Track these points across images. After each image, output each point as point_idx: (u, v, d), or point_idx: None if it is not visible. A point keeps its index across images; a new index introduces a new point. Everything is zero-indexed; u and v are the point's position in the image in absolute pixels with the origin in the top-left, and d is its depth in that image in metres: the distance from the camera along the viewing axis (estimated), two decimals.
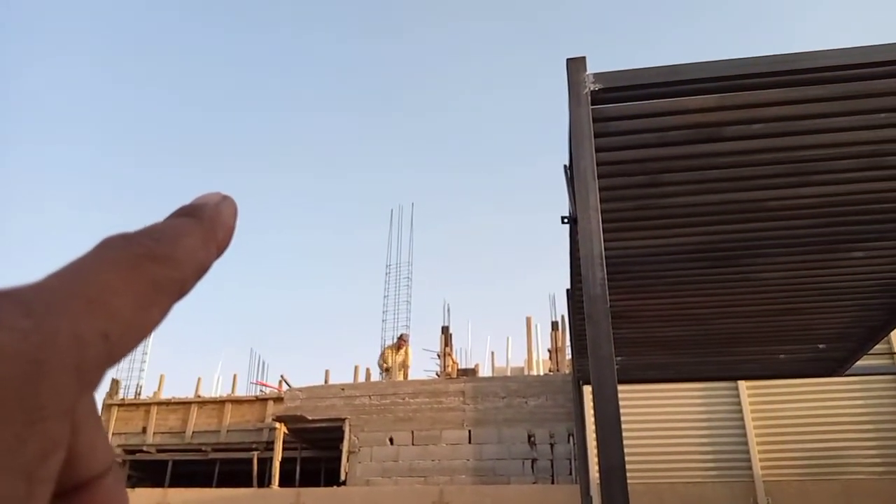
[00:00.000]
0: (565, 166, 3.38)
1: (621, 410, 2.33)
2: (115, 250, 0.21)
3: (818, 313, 5.44)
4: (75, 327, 0.19)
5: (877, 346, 6.44)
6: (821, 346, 6.23)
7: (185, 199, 0.26)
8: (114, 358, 0.20)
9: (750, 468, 8.87)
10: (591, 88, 2.74)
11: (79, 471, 0.21)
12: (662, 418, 9.29)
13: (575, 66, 2.78)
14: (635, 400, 9.22)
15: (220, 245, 0.25)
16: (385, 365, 14.05)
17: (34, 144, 38.90)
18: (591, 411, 2.43)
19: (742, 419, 9.11)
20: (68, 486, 0.21)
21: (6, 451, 0.16)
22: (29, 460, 0.17)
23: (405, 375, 13.88)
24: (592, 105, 2.75)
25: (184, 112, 42.18)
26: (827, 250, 4.36)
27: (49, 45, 41.47)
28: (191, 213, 0.24)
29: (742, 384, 9.17)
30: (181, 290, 0.22)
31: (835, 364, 6.80)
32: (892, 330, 5.83)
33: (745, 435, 9.04)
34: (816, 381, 8.57)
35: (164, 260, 0.22)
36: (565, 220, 3.62)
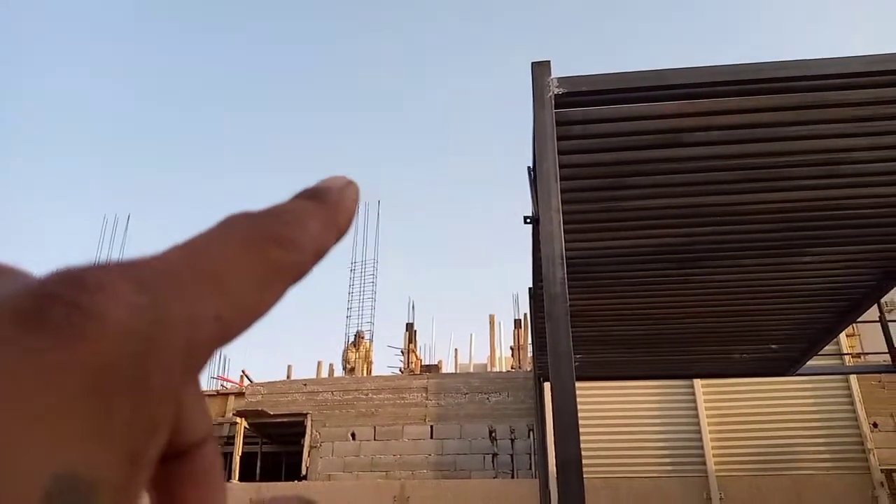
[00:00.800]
0: (529, 168, 3.44)
1: (580, 407, 2.39)
2: (238, 228, 0.21)
3: (771, 315, 5.61)
4: (189, 306, 0.18)
5: (826, 347, 6.67)
6: (773, 346, 6.42)
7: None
8: (225, 339, 0.19)
9: (704, 464, 9.10)
10: (555, 92, 2.79)
11: (182, 439, 0.22)
12: (620, 415, 9.46)
13: (540, 69, 2.83)
14: (594, 397, 9.38)
15: (340, 229, 0.24)
16: (349, 366, 14.04)
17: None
18: (551, 407, 2.49)
19: (697, 416, 9.33)
20: (171, 454, 0.21)
21: (116, 433, 0.16)
22: (135, 442, 0.16)
23: (368, 371, 13.87)
24: (556, 108, 2.80)
25: (150, 111, 41.37)
26: (780, 254, 4.51)
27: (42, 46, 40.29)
28: (315, 196, 0.24)
29: (697, 382, 9.39)
30: (300, 273, 0.22)
31: (787, 364, 7.02)
32: (841, 331, 6.05)
33: (699, 432, 9.27)
34: (769, 380, 8.81)
35: (286, 243, 0.21)
36: (528, 221, 3.68)
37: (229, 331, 0.19)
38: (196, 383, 0.22)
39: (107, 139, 40.34)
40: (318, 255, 0.23)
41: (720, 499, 8.86)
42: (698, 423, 9.31)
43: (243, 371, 14.58)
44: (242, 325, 0.20)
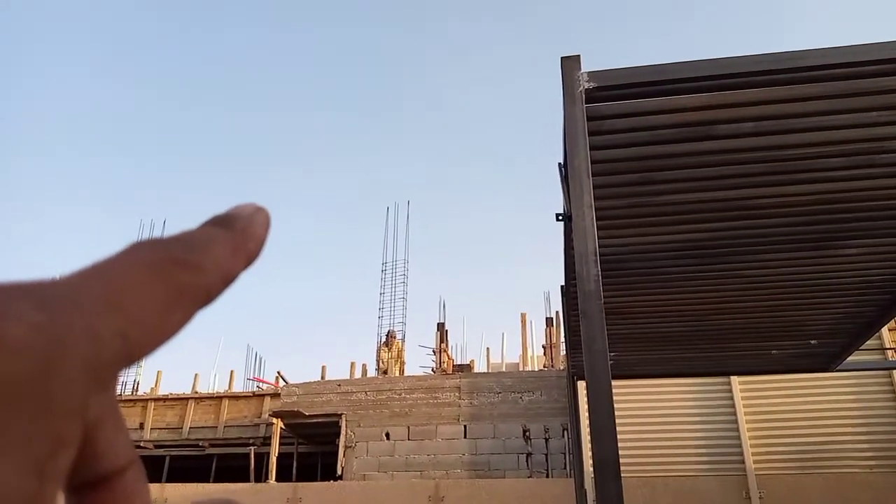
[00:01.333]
0: (560, 164, 3.42)
1: (616, 406, 2.37)
2: (143, 253, 0.21)
3: (810, 309, 5.50)
4: (91, 324, 0.18)
5: (868, 342, 6.51)
6: (812, 341, 6.29)
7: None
8: (133, 358, 0.20)
9: (742, 462, 8.95)
10: (586, 87, 2.77)
11: (99, 465, 0.21)
12: (656, 413, 9.35)
13: (569, 64, 2.81)
14: (630, 395, 9.28)
15: (249, 255, 0.25)
16: (383, 367, 14.11)
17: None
18: (586, 406, 2.46)
19: (735, 413, 9.18)
20: (89, 479, 0.21)
21: (15, 446, 0.16)
22: (38, 456, 0.17)
23: (401, 371, 13.93)
24: (587, 103, 2.78)
25: (175, 111, 42.06)
26: (818, 247, 4.41)
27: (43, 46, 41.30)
28: (223, 223, 0.25)
29: (734, 379, 9.24)
30: (207, 296, 0.22)
31: (826, 359, 6.87)
32: (883, 326, 5.89)
33: (737, 429, 9.12)
34: (809, 376, 8.64)
35: (191, 266, 0.22)
36: (560, 218, 3.66)
37: (136, 349, 0.20)
38: (114, 410, 0.22)
39: (144, 144, 41.15)
40: (226, 279, 0.23)
41: (759, 497, 8.71)
42: (736, 421, 9.15)
43: (279, 372, 14.75)
44: (151, 343, 0.20)
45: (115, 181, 40.69)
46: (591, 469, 2.37)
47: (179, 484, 10.60)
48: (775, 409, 9.20)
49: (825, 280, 4.93)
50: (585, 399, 2.45)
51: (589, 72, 2.76)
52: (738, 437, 9.08)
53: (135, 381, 13.95)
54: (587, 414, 2.43)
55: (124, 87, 42.36)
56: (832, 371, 7.25)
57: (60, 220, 39.93)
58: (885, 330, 8.82)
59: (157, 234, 15.44)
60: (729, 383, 9.30)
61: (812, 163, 3.48)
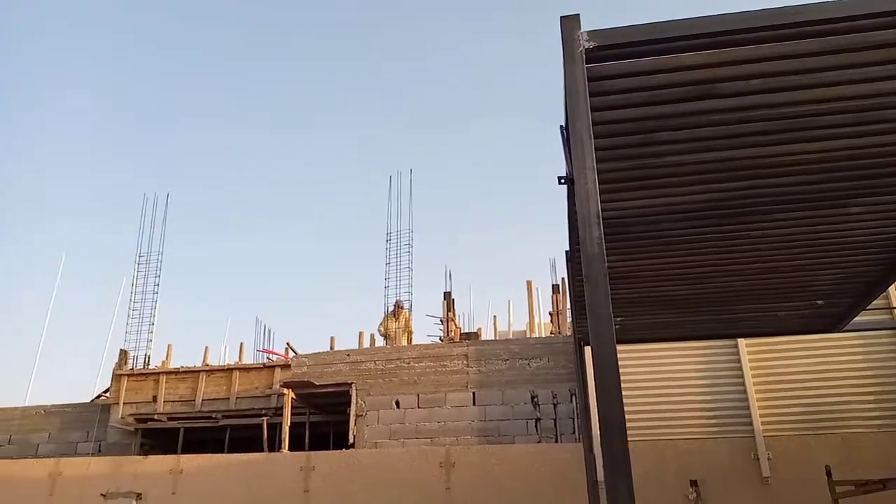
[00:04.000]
0: (561, 127, 3.39)
1: (623, 370, 2.38)
2: None
3: (816, 269, 5.48)
4: None
5: (875, 301, 6.49)
6: (819, 302, 6.27)
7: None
8: None
9: (750, 424, 9.00)
10: (586, 46, 2.73)
11: None
12: (664, 377, 9.40)
13: (569, 24, 2.77)
14: (637, 360, 9.32)
15: None
16: (384, 332, 14.20)
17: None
18: (593, 371, 2.47)
19: (742, 376, 9.21)
20: None
21: None
22: None
23: (409, 340, 14.02)
24: (587, 64, 2.74)
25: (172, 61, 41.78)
26: (824, 206, 4.37)
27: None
28: None
29: (741, 341, 9.25)
30: None
31: (833, 320, 6.86)
32: (890, 285, 5.87)
33: (745, 391, 9.15)
34: (816, 336, 8.65)
35: None
36: (562, 181, 3.64)
37: None
38: None
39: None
40: None
41: (768, 458, 8.78)
42: (743, 383, 9.19)
43: (288, 343, 14.87)
44: None
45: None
46: (599, 433, 2.39)
47: (195, 455, 10.77)
48: (783, 370, 9.22)
49: (831, 239, 4.90)
50: (592, 364, 2.46)
51: (589, 31, 2.72)
52: (746, 400, 9.13)
53: (146, 355, 14.10)
54: (594, 379, 2.44)
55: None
56: (839, 331, 7.25)
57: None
58: (892, 289, 8.78)
59: (160, 206, 15.46)
60: (736, 345, 9.32)
61: (816, 120, 3.43)
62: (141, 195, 15.94)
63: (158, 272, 14.91)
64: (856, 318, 6.86)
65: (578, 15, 2.74)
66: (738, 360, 9.29)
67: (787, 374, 9.20)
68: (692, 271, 5.50)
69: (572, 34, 2.74)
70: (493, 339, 15.49)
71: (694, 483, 8.73)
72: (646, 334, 7.71)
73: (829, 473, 7.39)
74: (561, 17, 2.75)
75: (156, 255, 15.05)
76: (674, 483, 8.78)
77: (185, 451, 12.02)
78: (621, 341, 2.59)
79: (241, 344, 15.67)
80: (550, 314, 14.83)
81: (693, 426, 9.21)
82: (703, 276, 5.62)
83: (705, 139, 3.58)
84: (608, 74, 3.03)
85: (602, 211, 2.56)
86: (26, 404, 14.76)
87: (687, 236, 4.80)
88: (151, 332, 14.34)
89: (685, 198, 4.23)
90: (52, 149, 41.22)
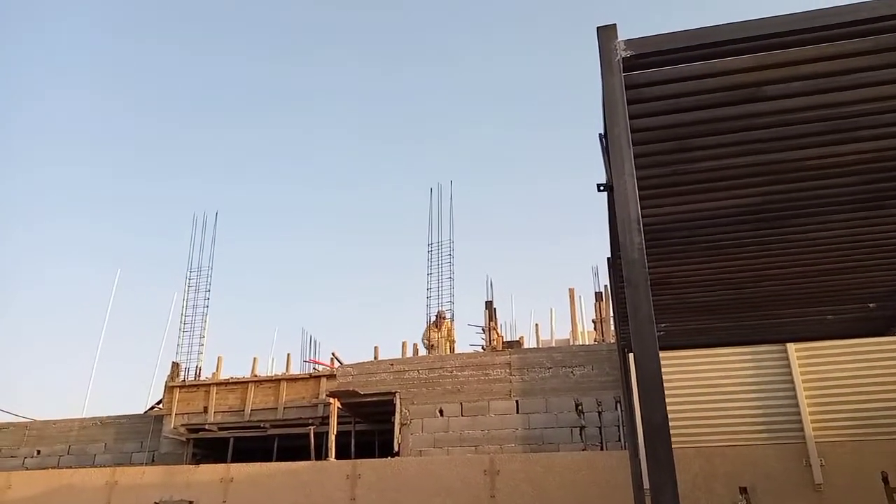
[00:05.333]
0: (600, 134, 3.42)
1: (669, 377, 2.40)
2: None
3: (866, 272, 5.36)
4: None
5: None
6: (871, 305, 6.13)
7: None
8: None
9: (801, 429, 8.79)
10: (623, 55, 2.77)
11: None
12: (712, 383, 9.24)
13: (606, 34, 2.82)
14: (684, 367, 9.19)
15: None
16: (427, 342, 14.27)
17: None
18: (636, 374, 2.48)
19: (792, 381, 9.00)
20: None
21: None
22: None
23: (451, 350, 14.07)
24: (625, 72, 2.78)
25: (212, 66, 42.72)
26: (873, 207, 4.30)
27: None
28: None
29: (791, 346, 9.06)
30: None
31: (886, 323, 6.69)
32: None
33: (795, 396, 8.94)
34: (869, 340, 8.41)
35: None
36: (602, 188, 3.67)
37: None
38: None
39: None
40: None
41: (821, 465, 8.55)
42: (794, 388, 8.97)
43: (333, 353, 15.07)
44: None
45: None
46: (643, 438, 2.39)
47: (244, 464, 10.99)
48: (834, 374, 8.98)
49: (881, 241, 4.80)
50: (635, 370, 2.48)
51: (625, 40, 2.76)
52: (797, 405, 8.91)
53: (197, 366, 14.44)
54: (637, 384, 2.45)
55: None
56: (892, 335, 7.05)
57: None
58: None
59: (209, 228, 15.85)
60: (785, 350, 9.12)
61: (863, 120, 3.40)
62: (191, 213, 16.31)
63: (209, 286, 15.26)
64: None
65: (615, 25, 2.79)
66: (788, 365, 9.09)
67: (839, 378, 8.96)
68: (736, 276, 5.43)
69: (609, 44, 2.78)
70: (535, 347, 15.43)
71: (744, 490, 8.55)
72: (690, 341, 7.62)
73: (885, 480, 7.18)
74: (598, 28, 2.80)
75: (206, 270, 15.40)
76: (723, 490, 8.62)
77: (235, 460, 12.27)
78: (666, 348, 2.61)
79: (288, 355, 15.95)
80: (594, 322, 14.72)
81: (742, 432, 9.03)
82: (748, 281, 5.55)
83: (748, 143, 3.57)
84: (646, 82, 3.06)
85: (642, 217, 2.59)
86: (83, 416, 15.28)
87: (730, 241, 4.76)
88: (202, 345, 14.69)
89: (727, 202, 4.21)
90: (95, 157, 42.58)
